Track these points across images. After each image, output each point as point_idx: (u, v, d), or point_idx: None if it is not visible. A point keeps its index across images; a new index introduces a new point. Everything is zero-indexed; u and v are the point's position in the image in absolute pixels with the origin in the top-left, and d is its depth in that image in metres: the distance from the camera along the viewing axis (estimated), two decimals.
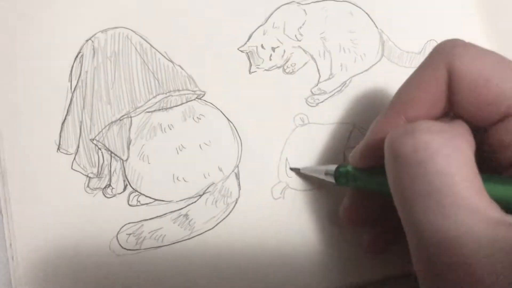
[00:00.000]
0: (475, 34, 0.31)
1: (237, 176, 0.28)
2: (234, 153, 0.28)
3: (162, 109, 0.28)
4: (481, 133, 0.21)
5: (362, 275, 0.27)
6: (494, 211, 0.18)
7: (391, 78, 0.30)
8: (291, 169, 0.28)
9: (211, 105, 0.29)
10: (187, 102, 0.28)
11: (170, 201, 0.27)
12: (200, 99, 0.29)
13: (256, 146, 0.28)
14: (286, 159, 0.28)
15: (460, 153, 0.18)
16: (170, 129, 0.28)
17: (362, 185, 0.24)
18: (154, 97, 0.28)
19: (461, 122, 0.21)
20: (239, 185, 0.28)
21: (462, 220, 0.17)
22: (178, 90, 0.28)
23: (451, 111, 0.22)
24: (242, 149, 0.28)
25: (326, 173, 0.25)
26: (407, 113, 0.21)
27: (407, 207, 0.18)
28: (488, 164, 0.21)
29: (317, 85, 0.29)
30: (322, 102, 0.29)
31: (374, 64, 0.30)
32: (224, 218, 0.27)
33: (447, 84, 0.21)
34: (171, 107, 0.28)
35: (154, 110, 0.28)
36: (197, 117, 0.28)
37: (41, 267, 0.26)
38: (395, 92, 0.23)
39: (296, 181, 0.28)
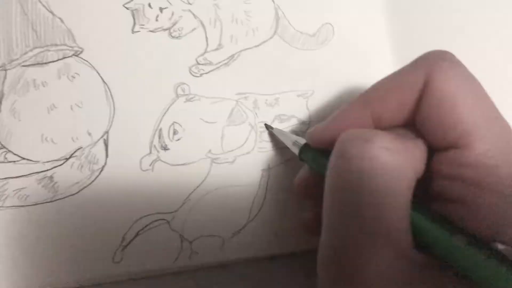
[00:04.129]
0: (375, 18, 0.29)
1: (106, 143, 0.26)
2: (105, 117, 0.26)
3: (38, 64, 0.26)
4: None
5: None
6: (415, 252, 0.18)
7: (281, 58, 0.28)
8: (265, 125, 0.27)
9: (88, 63, 0.27)
10: (63, 58, 0.27)
11: (37, 162, 0.26)
12: (77, 56, 0.27)
13: (130, 113, 0.26)
14: (161, 129, 0.27)
15: (401, 180, 0.18)
16: (44, 86, 0.26)
17: (315, 166, 0.23)
18: (31, 50, 0.26)
19: (419, 143, 0.20)
20: (106, 152, 0.26)
21: (382, 257, 0.17)
22: (56, 45, 0.27)
23: (414, 123, 0.21)
24: (114, 114, 0.26)
25: (294, 144, 0.25)
26: (374, 108, 0.21)
27: (333, 206, 0.19)
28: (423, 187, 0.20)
29: (203, 55, 0.27)
30: (207, 73, 0.27)
31: (266, 41, 0.28)
32: (88, 185, 0.26)
33: (419, 92, 0.20)
34: (46, 63, 0.27)
35: (30, 65, 0.26)
36: (72, 76, 0.27)
37: None
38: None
39: (168, 155, 0.27)
